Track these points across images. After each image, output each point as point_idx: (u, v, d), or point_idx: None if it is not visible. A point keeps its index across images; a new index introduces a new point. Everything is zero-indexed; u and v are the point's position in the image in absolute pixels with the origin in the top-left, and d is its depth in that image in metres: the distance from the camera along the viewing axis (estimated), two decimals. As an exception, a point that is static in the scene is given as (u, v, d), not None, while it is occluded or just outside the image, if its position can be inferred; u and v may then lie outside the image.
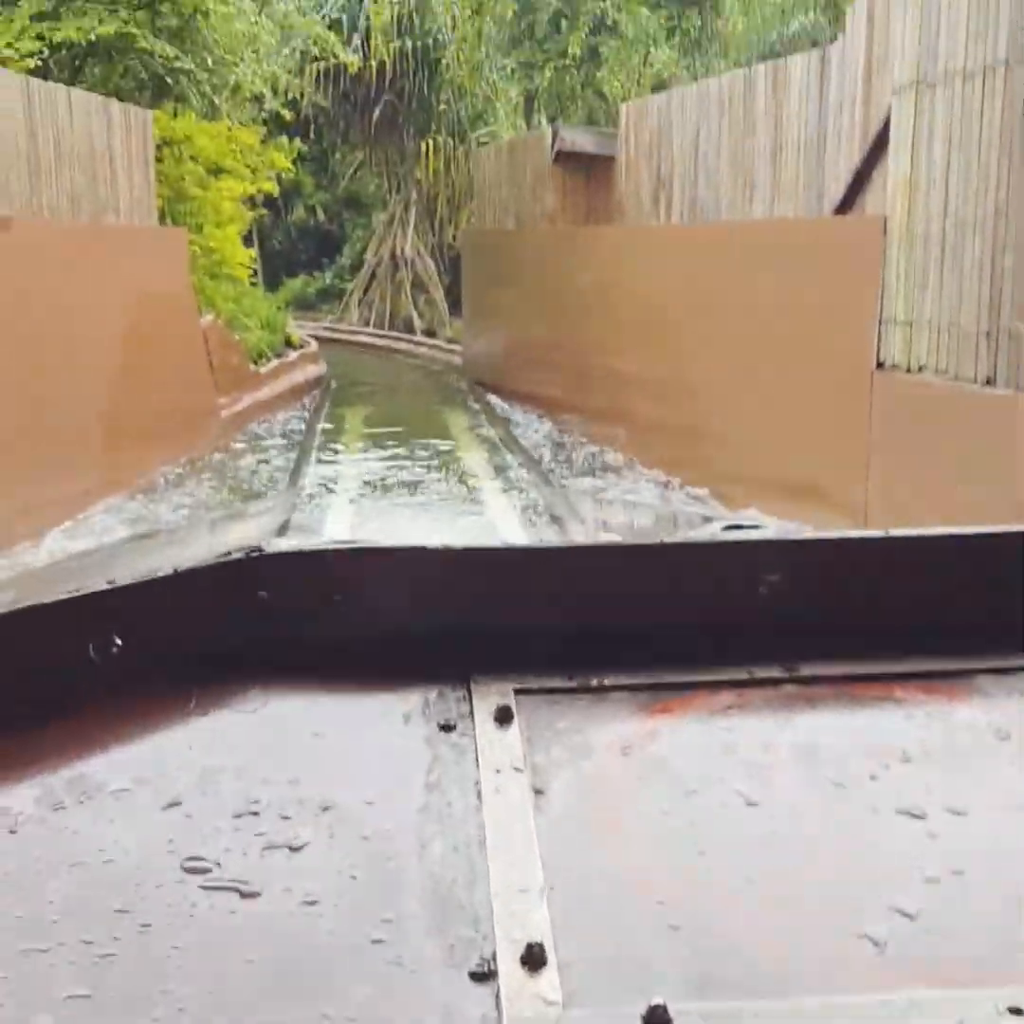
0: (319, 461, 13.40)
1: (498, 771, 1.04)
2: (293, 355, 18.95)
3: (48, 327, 10.35)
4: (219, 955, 0.85)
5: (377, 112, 25.19)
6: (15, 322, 9.80)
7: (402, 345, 25.18)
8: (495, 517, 10.83)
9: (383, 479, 12.51)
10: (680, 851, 0.95)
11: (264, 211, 19.25)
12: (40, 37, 13.51)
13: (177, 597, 1.18)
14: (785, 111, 10.30)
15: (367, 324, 27.01)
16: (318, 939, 0.86)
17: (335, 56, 19.16)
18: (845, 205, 9.43)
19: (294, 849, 0.94)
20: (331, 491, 12.04)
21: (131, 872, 0.92)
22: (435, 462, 13.38)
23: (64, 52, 13.47)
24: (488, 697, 1.15)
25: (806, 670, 1.19)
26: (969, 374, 7.96)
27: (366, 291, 27.47)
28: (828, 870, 0.93)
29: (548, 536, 8.69)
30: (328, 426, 15.94)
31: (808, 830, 0.97)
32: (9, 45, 13.36)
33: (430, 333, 25.83)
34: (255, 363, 17.06)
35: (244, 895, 0.90)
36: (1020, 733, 1.10)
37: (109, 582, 1.16)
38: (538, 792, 1.01)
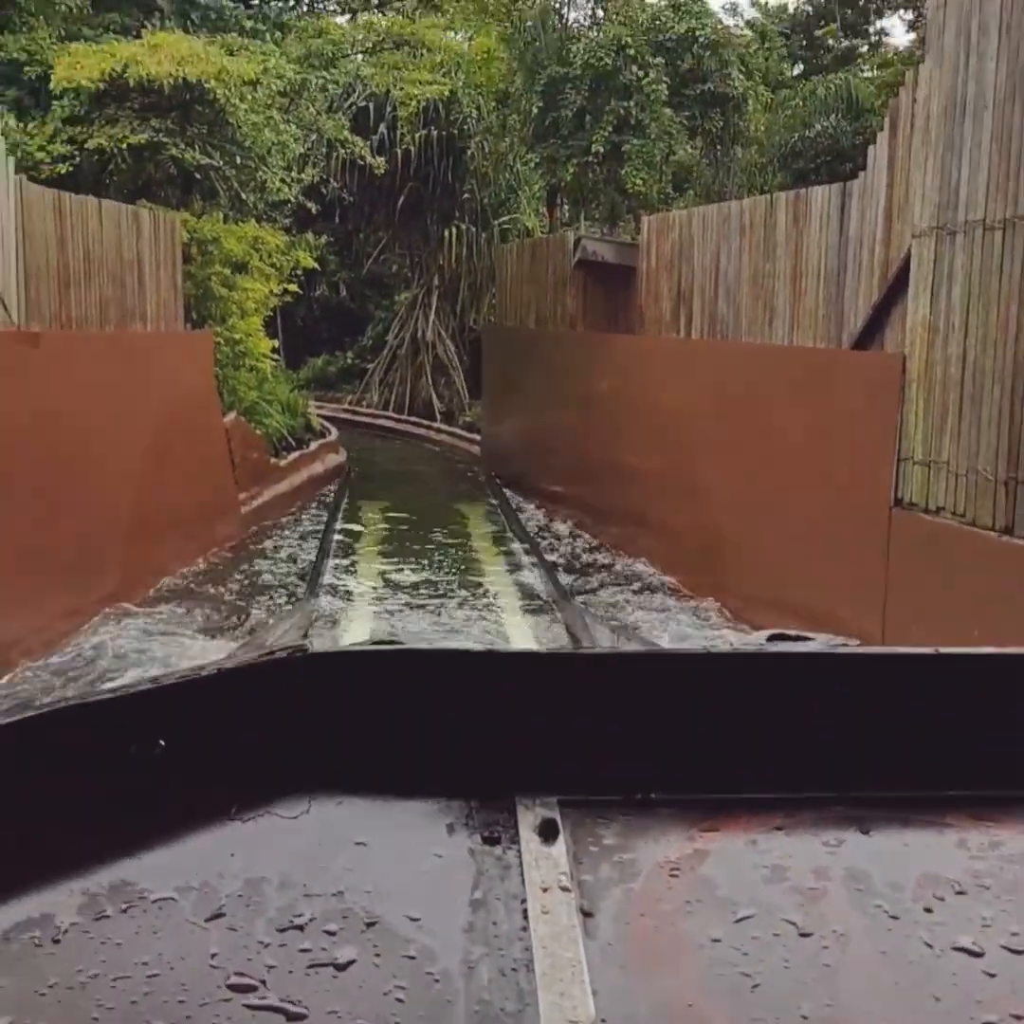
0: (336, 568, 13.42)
1: (545, 889, 1.00)
2: (314, 445, 19.08)
3: (75, 435, 10.48)
4: None
5: (401, 198, 25.49)
6: (43, 431, 9.93)
7: (421, 431, 25.29)
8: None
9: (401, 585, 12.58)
10: (732, 984, 0.92)
11: (288, 298, 19.38)
12: (72, 141, 13.73)
13: (221, 696, 1.13)
14: (805, 240, 10.40)
15: (387, 406, 27.17)
16: None
17: (362, 158, 19.42)
18: (864, 339, 9.49)
19: (339, 967, 0.92)
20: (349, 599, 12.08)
21: (176, 988, 0.90)
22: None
23: (95, 157, 13.64)
24: (533, 809, 1.10)
25: (855, 791, 1.14)
26: (987, 521, 7.97)
27: (387, 372, 27.65)
28: (884, 1009, 0.90)
29: None
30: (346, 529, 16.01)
31: (863, 966, 0.94)
32: (41, 148, 13.60)
33: (449, 415, 25.96)
34: (276, 454, 17.18)
35: (290, 1017, 0.87)
36: None
37: (152, 681, 1.11)
38: (586, 914, 0.98)
